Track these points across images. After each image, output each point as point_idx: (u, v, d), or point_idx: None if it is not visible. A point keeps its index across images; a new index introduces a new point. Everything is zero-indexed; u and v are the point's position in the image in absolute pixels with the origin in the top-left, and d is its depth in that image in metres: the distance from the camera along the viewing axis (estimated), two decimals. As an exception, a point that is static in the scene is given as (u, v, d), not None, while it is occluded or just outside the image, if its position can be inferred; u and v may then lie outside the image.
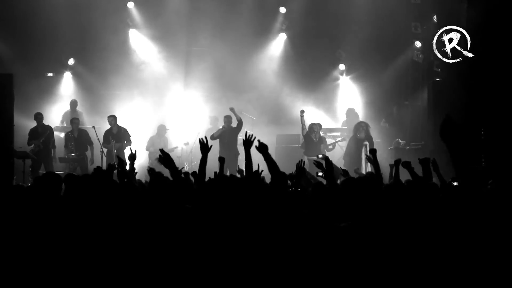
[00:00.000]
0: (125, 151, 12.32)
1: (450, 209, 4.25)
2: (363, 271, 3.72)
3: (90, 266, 3.94)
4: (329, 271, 3.80)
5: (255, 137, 4.99)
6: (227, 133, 12.54)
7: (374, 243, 3.80)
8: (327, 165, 5.08)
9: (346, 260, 3.79)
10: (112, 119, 12.49)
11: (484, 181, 5.19)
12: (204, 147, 4.88)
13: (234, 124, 12.71)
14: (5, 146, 10.46)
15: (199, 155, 15.01)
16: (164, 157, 4.74)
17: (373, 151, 6.11)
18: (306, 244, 3.94)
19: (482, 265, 3.57)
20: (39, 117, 12.23)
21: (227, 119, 12.66)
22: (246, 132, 5.08)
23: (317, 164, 5.46)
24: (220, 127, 12.79)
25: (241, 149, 12.76)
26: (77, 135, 12.40)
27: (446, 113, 3.04)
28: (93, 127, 12.31)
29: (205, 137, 5.04)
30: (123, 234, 4.09)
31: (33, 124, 12.39)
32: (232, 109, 12.70)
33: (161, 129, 13.59)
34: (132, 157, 5.80)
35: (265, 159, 4.71)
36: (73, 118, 12.67)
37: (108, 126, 12.62)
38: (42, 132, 12.02)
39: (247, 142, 4.85)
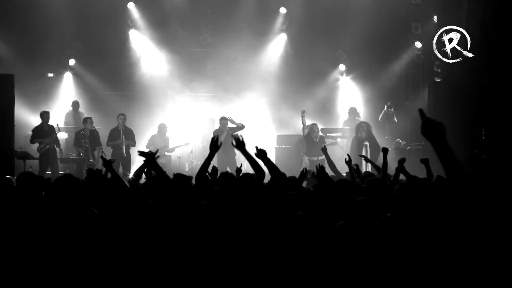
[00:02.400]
0: (130, 150, 12.32)
1: (450, 208, 4.25)
2: (358, 271, 3.72)
3: (85, 266, 3.94)
4: (324, 271, 3.81)
5: (242, 136, 4.84)
6: (228, 135, 12.56)
7: (369, 243, 3.80)
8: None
9: (341, 260, 3.79)
10: (123, 118, 12.43)
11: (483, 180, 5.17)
12: (215, 145, 4.77)
13: (230, 125, 12.72)
14: (5, 147, 10.47)
15: (199, 156, 14.99)
16: (148, 160, 4.60)
17: (385, 150, 6.15)
18: (301, 243, 3.95)
19: (481, 265, 3.57)
20: (45, 115, 11.95)
21: (224, 121, 12.68)
22: (232, 135, 4.92)
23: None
24: (219, 128, 12.75)
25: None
26: (90, 134, 12.27)
27: (419, 108, 2.92)
28: (94, 127, 12.28)
29: (217, 136, 4.93)
30: (119, 234, 4.09)
31: (34, 123, 12.34)
32: (231, 120, 12.70)
33: (162, 128, 13.55)
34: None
35: (266, 165, 4.60)
36: (87, 117, 12.52)
37: (107, 126, 12.62)
38: (49, 131, 11.82)
39: (239, 144, 4.70)
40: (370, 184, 4.93)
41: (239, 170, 6.09)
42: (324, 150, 8.08)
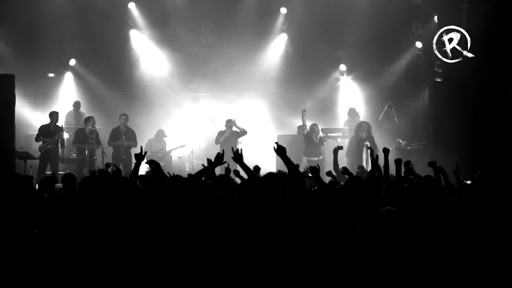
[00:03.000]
0: (131, 151, 12.33)
1: (465, 210, 4.27)
2: (379, 271, 3.71)
3: (91, 265, 3.94)
4: (344, 271, 3.79)
5: (241, 150, 5.12)
6: (229, 137, 12.59)
7: (390, 242, 3.78)
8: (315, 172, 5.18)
9: (362, 259, 3.76)
10: (125, 118, 12.43)
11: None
12: (220, 160, 4.99)
13: (235, 128, 12.76)
14: (6, 147, 10.47)
15: (199, 156, 14.96)
16: (155, 168, 4.69)
17: (386, 151, 6.23)
18: (318, 245, 3.93)
19: (502, 266, 3.57)
20: (54, 116, 11.95)
21: (229, 123, 12.69)
22: (232, 148, 5.17)
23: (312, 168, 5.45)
24: (225, 129, 12.74)
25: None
26: (90, 132, 12.16)
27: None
28: (94, 127, 12.25)
29: (223, 150, 5.10)
30: (124, 234, 4.08)
31: (34, 123, 12.33)
32: (234, 122, 12.71)
33: (160, 133, 13.58)
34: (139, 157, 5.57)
35: (284, 162, 4.71)
36: (90, 116, 12.44)
37: (107, 126, 12.61)
38: (55, 131, 11.81)
39: (237, 157, 4.93)
40: (350, 184, 4.92)
41: (227, 170, 6.14)
42: (336, 151, 8.07)
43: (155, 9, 14.86)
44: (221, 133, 12.66)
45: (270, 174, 4.66)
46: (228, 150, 6.40)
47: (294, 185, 4.58)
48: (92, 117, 12.40)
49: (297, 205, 4.34)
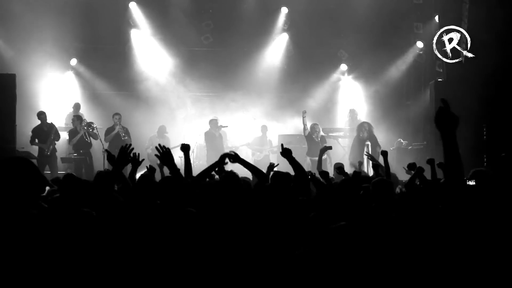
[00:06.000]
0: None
1: (451, 208, 4.24)
2: (360, 271, 3.71)
3: (88, 269, 3.92)
4: (329, 271, 3.80)
5: (234, 152, 5.14)
6: (217, 137, 12.64)
7: (371, 243, 3.79)
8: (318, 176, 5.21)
9: (345, 260, 3.78)
10: (118, 117, 12.47)
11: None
12: (222, 162, 5.00)
13: (219, 127, 13.12)
14: (7, 146, 10.48)
15: (200, 156, 14.93)
16: (163, 154, 4.67)
17: (385, 154, 6.27)
18: (312, 246, 3.93)
19: (482, 266, 3.56)
20: (42, 116, 11.87)
21: (213, 122, 12.94)
22: (226, 154, 5.12)
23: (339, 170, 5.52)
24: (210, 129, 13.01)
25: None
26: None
27: (442, 98, 2.95)
28: (95, 127, 12.24)
29: (234, 153, 5.10)
30: (124, 237, 4.07)
31: (35, 123, 12.34)
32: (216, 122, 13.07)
33: (161, 130, 13.58)
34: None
35: (290, 163, 4.75)
36: (77, 115, 12.53)
37: (108, 125, 12.67)
38: (49, 131, 11.79)
39: (234, 159, 4.93)
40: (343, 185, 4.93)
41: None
42: (323, 150, 8.09)
43: (156, 8, 14.88)
44: (210, 135, 12.87)
45: (276, 173, 4.68)
46: (214, 148, 6.37)
47: (301, 186, 4.61)
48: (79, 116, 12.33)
49: (302, 205, 4.35)
